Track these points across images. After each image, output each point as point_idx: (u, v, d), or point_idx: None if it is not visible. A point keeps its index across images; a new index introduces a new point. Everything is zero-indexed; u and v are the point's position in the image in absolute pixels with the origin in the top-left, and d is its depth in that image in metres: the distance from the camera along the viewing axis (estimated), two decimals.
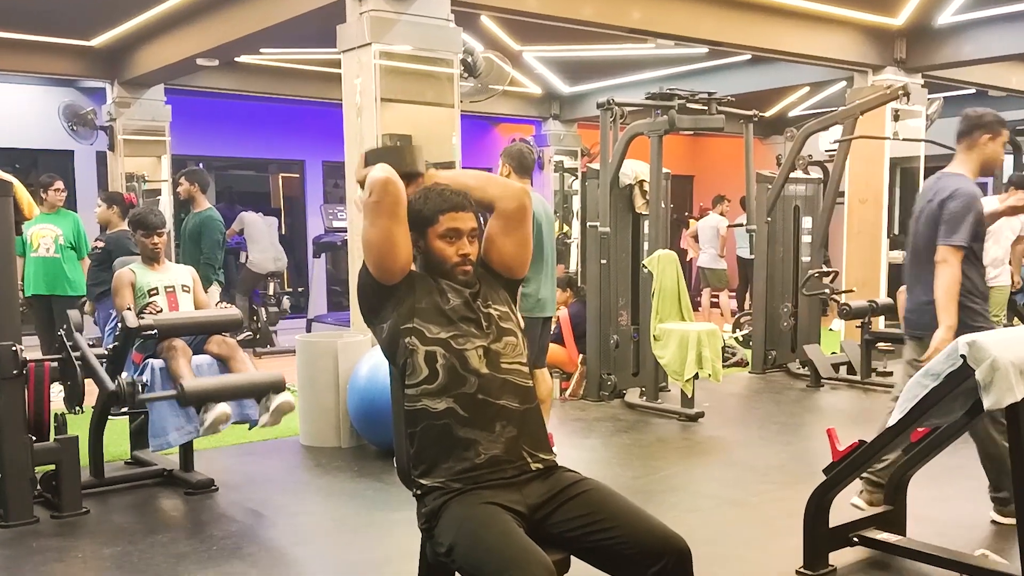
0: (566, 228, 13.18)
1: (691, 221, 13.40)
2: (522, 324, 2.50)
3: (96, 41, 8.75)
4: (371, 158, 2.43)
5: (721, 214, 11.71)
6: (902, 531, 3.63)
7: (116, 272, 5.03)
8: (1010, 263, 8.17)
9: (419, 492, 2.32)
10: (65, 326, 4.44)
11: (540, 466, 2.33)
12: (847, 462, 3.30)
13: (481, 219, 2.49)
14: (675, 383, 6.48)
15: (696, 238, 12.00)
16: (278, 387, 4.61)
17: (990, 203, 7.91)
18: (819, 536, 3.40)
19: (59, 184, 7.26)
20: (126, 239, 6.53)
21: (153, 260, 5.06)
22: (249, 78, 10.03)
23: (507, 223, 2.49)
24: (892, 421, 3.14)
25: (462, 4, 6.12)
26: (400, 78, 5.78)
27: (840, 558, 3.49)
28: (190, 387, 4.35)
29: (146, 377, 4.54)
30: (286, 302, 10.36)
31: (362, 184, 2.39)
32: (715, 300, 11.93)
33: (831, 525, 3.46)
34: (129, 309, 4.74)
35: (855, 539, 3.51)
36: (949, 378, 2.95)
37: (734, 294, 12.30)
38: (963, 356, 2.88)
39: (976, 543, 3.65)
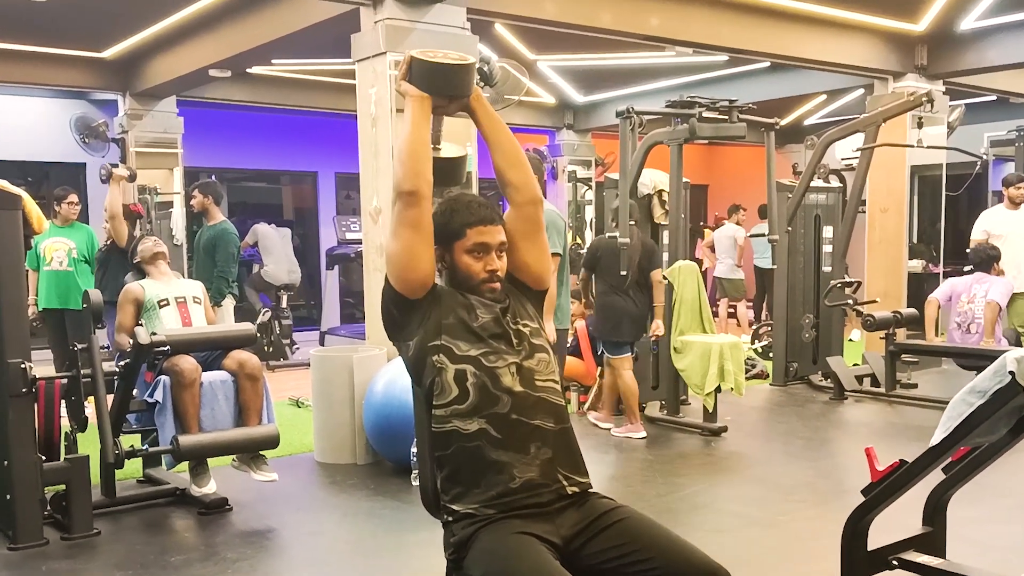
0: (578, 240, 13.09)
1: (706, 231, 13.28)
2: (553, 339, 2.39)
3: (108, 53, 8.70)
4: (417, 70, 2.28)
5: (737, 223, 11.57)
6: (942, 553, 3.48)
7: (124, 286, 4.94)
8: None
9: (449, 519, 2.20)
10: (84, 344, 4.35)
11: (576, 489, 2.21)
12: (887, 483, 3.15)
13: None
14: (696, 396, 6.35)
15: (712, 248, 11.87)
16: (272, 444, 4.64)
17: (995, 215, 7.84)
18: (857, 560, 3.26)
19: (73, 197, 7.20)
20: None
21: (156, 259, 4.97)
22: (261, 89, 9.97)
23: (523, 229, 2.37)
24: (936, 440, 3.00)
25: (478, 12, 6.03)
26: None
27: None
28: (185, 444, 4.36)
29: (158, 395, 4.44)
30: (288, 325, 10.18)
31: (402, 95, 2.30)
32: (732, 311, 11.79)
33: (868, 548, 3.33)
34: (140, 324, 4.66)
35: (894, 562, 3.37)
36: (996, 395, 2.81)
37: (751, 304, 12.15)
38: (1011, 373, 2.74)
39: (1019, 565, 3.51)
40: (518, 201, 2.38)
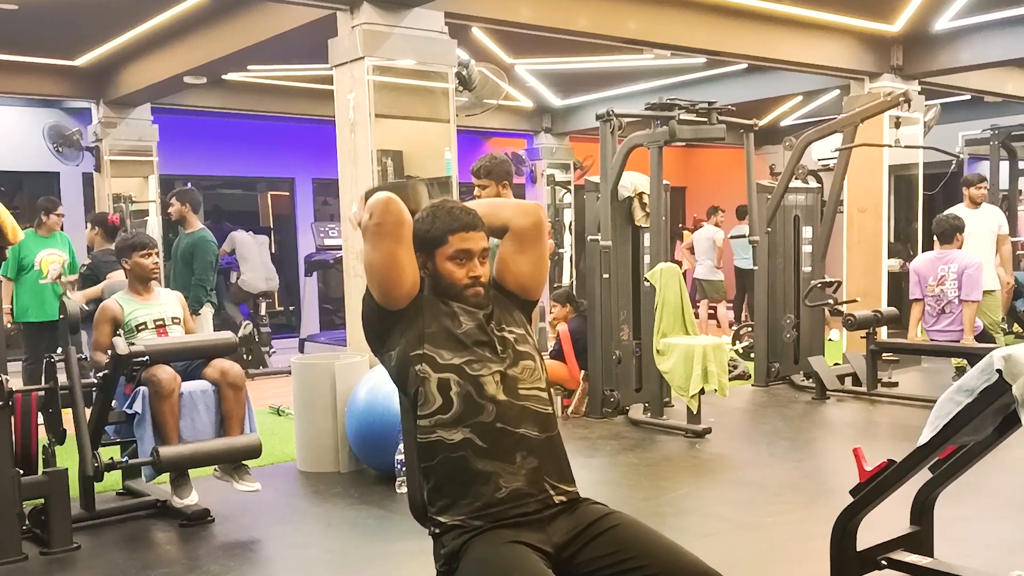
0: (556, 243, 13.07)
1: (685, 233, 13.31)
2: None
3: (81, 60, 8.59)
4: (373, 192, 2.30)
5: (716, 225, 11.61)
6: (930, 552, 3.47)
7: (102, 303, 4.86)
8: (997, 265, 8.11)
9: (437, 531, 2.17)
10: (62, 353, 4.29)
11: (564, 499, 2.18)
12: (875, 483, 3.15)
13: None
14: (679, 398, 6.35)
15: (691, 250, 11.89)
16: (254, 453, 4.58)
17: (957, 214, 7.93)
18: (846, 561, 3.25)
19: (61, 209, 7.26)
20: (105, 257, 6.50)
21: (147, 282, 4.88)
22: (237, 96, 9.89)
23: (522, 242, 2.35)
24: (924, 439, 2.99)
25: (456, 16, 6.00)
26: (394, 92, 5.65)
27: None
28: (165, 455, 4.29)
29: (137, 407, 4.37)
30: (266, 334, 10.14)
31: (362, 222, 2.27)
32: (712, 312, 11.82)
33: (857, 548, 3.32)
34: (119, 335, 4.59)
35: (883, 562, 3.36)
36: (984, 394, 2.81)
37: (731, 305, 12.19)
38: (999, 371, 2.74)
39: (1007, 563, 3.52)
40: (523, 225, 2.34)
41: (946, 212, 7.57)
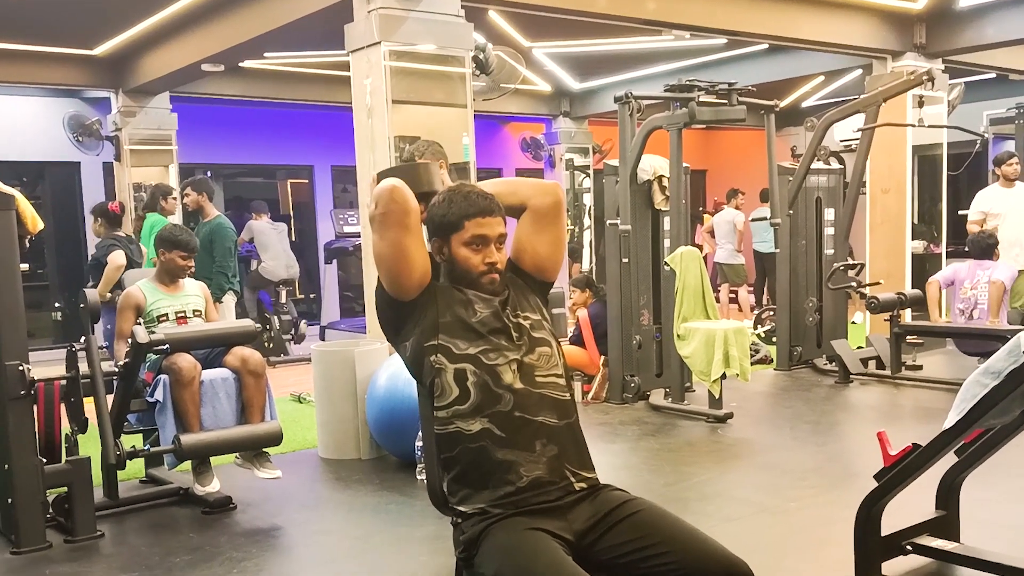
0: (575, 228, 13.04)
1: (706, 216, 13.21)
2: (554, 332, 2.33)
3: (99, 50, 8.62)
4: (383, 176, 2.28)
5: (736, 208, 11.51)
6: (956, 536, 3.44)
7: (125, 290, 4.87)
8: None
9: (458, 520, 2.15)
10: (84, 343, 4.31)
11: (584, 485, 2.16)
12: (900, 468, 3.11)
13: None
14: (700, 383, 6.31)
15: (712, 233, 11.81)
16: (275, 441, 4.60)
17: (991, 194, 7.82)
18: (871, 546, 3.22)
19: (176, 193, 7.61)
20: (105, 242, 6.60)
21: (176, 277, 4.89)
22: (255, 83, 9.92)
23: (540, 222, 2.33)
24: (949, 422, 2.95)
25: None
26: (411, 77, 5.63)
27: (893, 568, 3.30)
28: (187, 443, 4.30)
29: (158, 395, 4.38)
30: (303, 327, 10.10)
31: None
32: (733, 296, 11.74)
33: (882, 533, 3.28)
34: (139, 323, 4.60)
35: (908, 547, 3.33)
36: (1011, 376, 2.77)
37: (752, 289, 12.10)
38: None
39: None
40: (543, 205, 2.33)
41: (981, 231, 7.48)
